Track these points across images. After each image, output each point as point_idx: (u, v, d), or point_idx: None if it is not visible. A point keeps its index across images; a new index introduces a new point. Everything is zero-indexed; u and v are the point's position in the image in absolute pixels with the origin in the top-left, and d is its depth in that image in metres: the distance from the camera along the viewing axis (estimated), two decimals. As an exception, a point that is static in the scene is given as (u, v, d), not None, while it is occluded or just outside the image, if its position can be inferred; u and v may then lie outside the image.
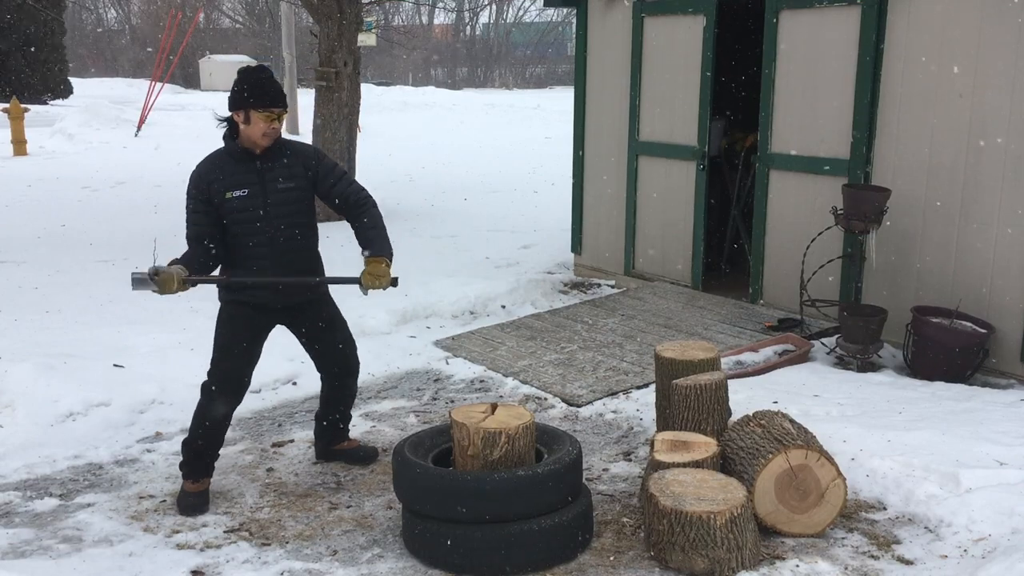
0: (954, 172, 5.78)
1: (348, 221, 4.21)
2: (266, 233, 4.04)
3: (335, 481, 4.44)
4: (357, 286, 4.05)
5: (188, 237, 4.08)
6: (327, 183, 4.14)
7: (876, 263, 6.06)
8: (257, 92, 3.92)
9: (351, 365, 4.46)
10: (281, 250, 4.08)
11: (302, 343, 4.42)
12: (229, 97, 3.98)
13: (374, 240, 4.09)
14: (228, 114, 4.03)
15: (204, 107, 27.76)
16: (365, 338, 6.44)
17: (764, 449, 3.81)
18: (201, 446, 4.19)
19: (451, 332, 6.65)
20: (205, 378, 4.18)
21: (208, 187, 3.99)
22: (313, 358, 4.45)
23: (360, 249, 4.12)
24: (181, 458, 4.23)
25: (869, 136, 6.15)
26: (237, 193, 3.98)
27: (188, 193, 4.05)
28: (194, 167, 4.09)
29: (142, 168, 14.78)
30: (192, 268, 3.96)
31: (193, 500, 4.13)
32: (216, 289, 4.18)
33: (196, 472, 4.20)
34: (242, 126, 3.96)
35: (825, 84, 6.37)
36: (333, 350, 4.39)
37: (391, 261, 4.08)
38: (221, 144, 4.09)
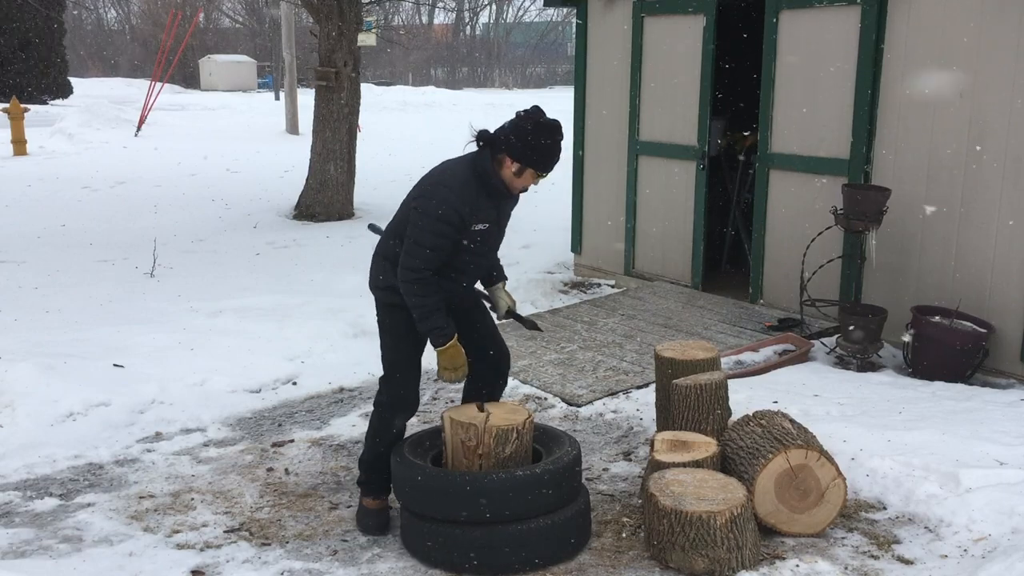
0: (954, 172, 5.78)
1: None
2: (484, 258, 3.94)
3: (335, 481, 4.44)
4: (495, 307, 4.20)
5: (425, 268, 3.66)
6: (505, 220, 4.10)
7: (876, 263, 6.06)
8: (546, 160, 3.67)
9: (505, 357, 4.17)
10: (482, 268, 4.02)
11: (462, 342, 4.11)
12: (515, 140, 3.63)
13: (499, 266, 4.23)
14: (485, 135, 3.75)
15: (204, 107, 27.81)
16: (365, 338, 6.45)
17: (764, 449, 3.81)
18: (378, 463, 3.95)
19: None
20: (380, 394, 3.97)
21: (461, 220, 3.67)
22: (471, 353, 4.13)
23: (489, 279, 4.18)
24: (360, 475, 4.03)
25: (869, 136, 6.15)
26: (480, 227, 3.75)
27: (444, 221, 3.63)
28: (438, 192, 3.67)
29: (142, 168, 14.78)
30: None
31: (376, 520, 3.94)
32: (376, 290, 3.94)
33: (375, 489, 3.98)
34: (507, 171, 3.70)
35: (825, 84, 6.37)
36: (483, 339, 4.11)
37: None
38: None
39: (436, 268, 3.68)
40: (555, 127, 3.67)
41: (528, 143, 3.63)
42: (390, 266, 3.82)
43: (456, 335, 3.76)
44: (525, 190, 3.81)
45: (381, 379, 4.00)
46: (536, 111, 3.70)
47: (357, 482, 4.08)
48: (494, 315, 4.16)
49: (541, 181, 3.79)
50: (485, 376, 4.10)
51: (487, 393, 4.09)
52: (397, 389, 3.93)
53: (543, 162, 3.68)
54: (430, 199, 3.66)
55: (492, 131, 3.75)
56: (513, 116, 3.71)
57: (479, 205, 3.71)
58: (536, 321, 4.44)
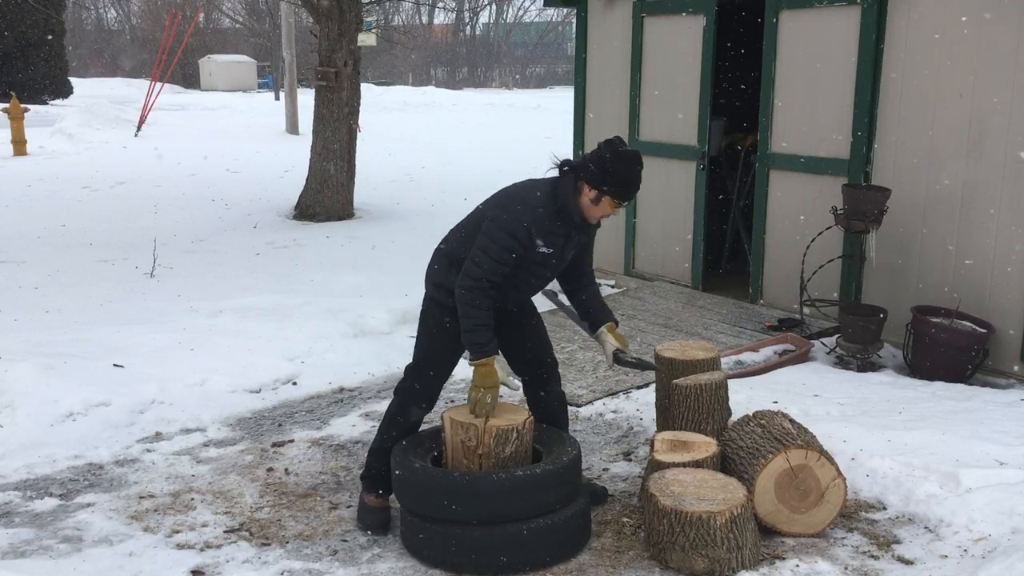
0: (954, 172, 5.78)
1: (565, 286, 4.06)
2: (542, 280, 3.91)
3: (335, 481, 4.44)
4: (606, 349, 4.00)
5: (485, 279, 3.65)
6: (585, 252, 4.03)
7: (876, 263, 6.07)
8: (623, 189, 3.66)
9: (551, 358, 4.14)
10: (536, 289, 3.98)
11: (503, 347, 4.09)
12: (593, 168, 3.64)
13: (604, 308, 4.06)
14: (568, 162, 3.76)
15: (204, 107, 27.81)
16: (365, 338, 6.46)
17: (764, 449, 3.81)
18: (384, 455, 3.93)
19: (451, 332, 6.64)
20: (403, 381, 3.99)
21: (530, 238, 3.66)
22: (513, 359, 4.14)
23: (588, 320, 4.03)
24: (365, 469, 4.02)
25: (869, 136, 6.15)
26: (544, 250, 3.72)
27: (513, 237, 3.63)
28: (513, 208, 3.69)
29: (142, 168, 14.78)
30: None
31: (376, 518, 3.94)
32: (429, 284, 3.91)
33: (377, 485, 3.97)
34: (585, 199, 3.68)
35: (825, 84, 6.37)
36: (531, 342, 4.10)
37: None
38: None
39: (496, 281, 3.67)
40: (634, 156, 3.67)
41: (606, 171, 3.63)
42: (448, 266, 3.83)
43: (495, 358, 3.69)
44: (599, 221, 3.79)
45: (409, 367, 4.01)
46: (616, 141, 3.69)
47: (360, 476, 4.08)
48: (604, 361, 3.97)
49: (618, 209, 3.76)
50: (537, 381, 4.11)
51: (544, 394, 4.10)
52: (423, 381, 3.94)
53: (620, 190, 3.66)
54: (504, 213, 3.69)
55: (575, 160, 3.79)
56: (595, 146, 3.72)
57: (549, 228, 3.70)
58: (650, 361, 4.17)
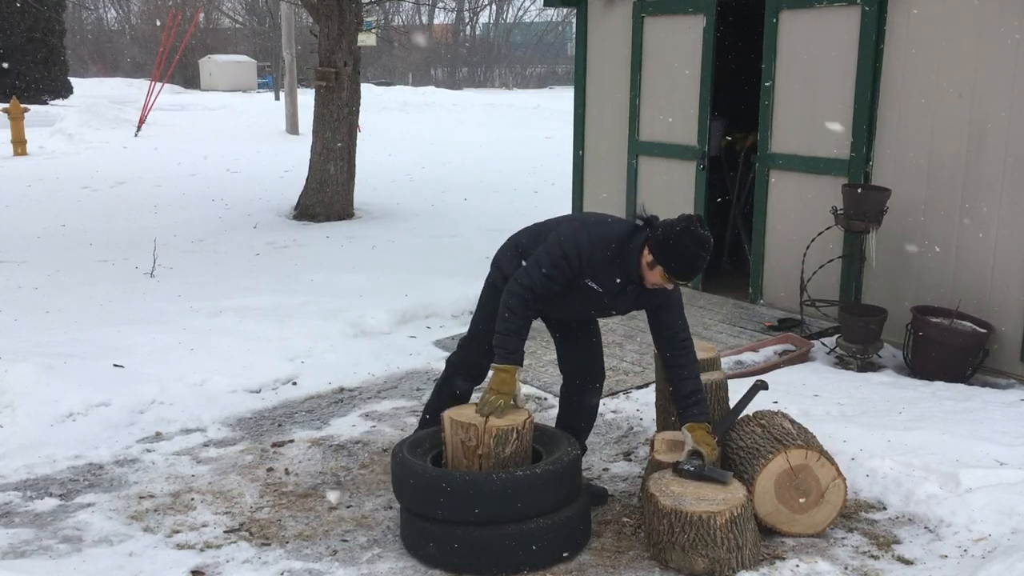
0: (954, 172, 5.78)
1: (662, 352, 3.92)
2: (586, 311, 3.92)
3: (335, 481, 4.44)
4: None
5: (532, 288, 3.69)
6: (666, 314, 3.87)
7: (876, 263, 6.06)
8: (680, 266, 3.58)
9: (594, 373, 4.14)
10: (584, 317, 4.01)
11: (557, 344, 4.20)
12: (660, 235, 3.59)
13: (700, 403, 3.86)
14: (650, 219, 3.72)
15: (204, 107, 27.80)
16: (365, 338, 6.47)
17: (764, 449, 3.81)
18: (433, 415, 4.05)
19: (451, 332, 6.65)
20: (454, 353, 4.20)
21: (580, 269, 3.68)
22: (561, 362, 4.20)
23: (678, 407, 3.90)
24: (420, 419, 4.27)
25: (869, 136, 6.15)
26: (592, 285, 3.73)
27: (566, 260, 3.66)
28: (578, 235, 3.71)
29: (142, 168, 14.78)
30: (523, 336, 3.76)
31: None
32: (494, 267, 4.00)
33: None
34: (644, 259, 3.66)
35: (825, 84, 6.37)
36: (579, 354, 4.13)
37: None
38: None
39: (541, 295, 3.70)
40: (701, 240, 3.57)
41: (668, 243, 3.57)
42: (512, 255, 3.93)
43: (517, 368, 3.71)
44: (676, 288, 3.74)
45: (462, 340, 4.15)
46: (694, 219, 3.62)
47: (420, 422, 4.29)
48: (683, 464, 3.77)
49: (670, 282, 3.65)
50: (572, 387, 4.17)
51: (576, 401, 4.16)
52: (467, 355, 4.08)
53: (676, 267, 3.58)
54: (568, 234, 3.73)
55: (655, 221, 3.71)
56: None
57: (604, 271, 3.70)
58: (722, 472, 3.74)
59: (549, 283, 3.69)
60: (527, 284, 3.69)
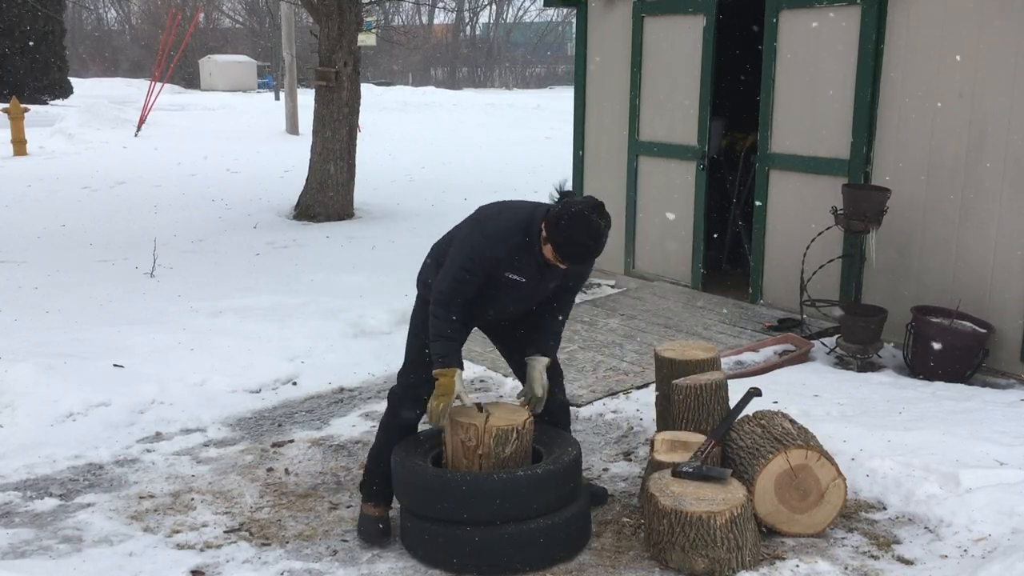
0: (954, 172, 5.78)
1: (535, 313, 3.91)
2: (522, 304, 3.83)
3: (335, 481, 4.44)
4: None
5: (449, 294, 3.65)
6: (565, 294, 3.89)
7: (876, 263, 6.06)
8: (569, 254, 3.51)
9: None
10: (520, 311, 3.90)
11: (504, 355, 4.18)
12: (557, 219, 3.50)
13: (550, 343, 3.91)
14: (564, 193, 3.66)
15: (204, 107, 27.80)
16: (365, 338, 6.46)
17: (764, 449, 3.81)
18: (381, 461, 3.89)
19: (451, 332, 6.64)
20: (395, 384, 4.00)
21: (491, 268, 3.63)
22: (515, 370, 4.12)
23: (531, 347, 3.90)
24: (364, 478, 3.98)
25: (869, 136, 6.15)
26: (515, 277, 3.66)
27: (466, 268, 3.63)
28: (474, 236, 3.68)
29: (142, 168, 14.77)
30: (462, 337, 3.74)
31: (374, 527, 3.86)
32: (420, 286, 3.91)
33: (375, 493, 3.91)
34: (541, 238, 3.57)
35: (825, 84, 6.37)
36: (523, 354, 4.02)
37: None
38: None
39: (459, 300, 3.64)
40: (591, 226, 3.46)
41: (560, 223, 3.50)
42: (433, 265, 3.85)
43: (455, 371, 3.64)
44: (554, 264, 3.61)
45: (400, 371, 4.02)
46: (592, 204, 3.52)
47: (359, 485, 4.05)
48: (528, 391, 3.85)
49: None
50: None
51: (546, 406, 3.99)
52: (410, 381, 3.92)
53: (562, 247, 3.50)
54: (463, 239, 3.69)
55: (567, 197, 3.63)
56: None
57: (518, 261, 3.63)
58: (718, 470, 3.75)
59: (463, 287, 3.63)
60: (444, 291, 3.65)
